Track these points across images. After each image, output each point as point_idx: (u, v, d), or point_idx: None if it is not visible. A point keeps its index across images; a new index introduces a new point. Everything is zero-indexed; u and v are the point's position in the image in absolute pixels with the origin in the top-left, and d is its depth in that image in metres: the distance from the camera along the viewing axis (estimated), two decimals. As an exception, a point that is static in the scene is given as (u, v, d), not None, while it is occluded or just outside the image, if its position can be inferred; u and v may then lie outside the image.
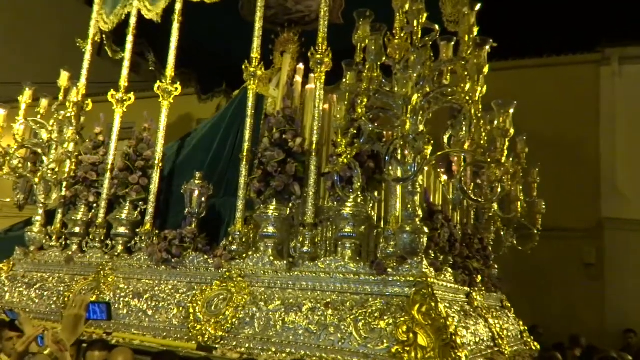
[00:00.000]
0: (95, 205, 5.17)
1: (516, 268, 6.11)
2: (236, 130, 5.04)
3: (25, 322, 3.42)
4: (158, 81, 5.06)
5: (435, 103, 3.58)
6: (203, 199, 4.55)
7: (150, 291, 4.43)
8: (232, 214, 4.54)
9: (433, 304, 3.43)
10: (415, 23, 3.41)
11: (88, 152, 5.24)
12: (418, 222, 3.60)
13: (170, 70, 5.04)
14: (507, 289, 5.14)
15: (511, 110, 3.33)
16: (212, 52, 6.25)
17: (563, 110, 8.78)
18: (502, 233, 4.90)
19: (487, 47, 3.31)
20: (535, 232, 4.77)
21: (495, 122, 3.41)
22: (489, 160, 3.41)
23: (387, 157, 3.54)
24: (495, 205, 4.59)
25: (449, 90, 3.53)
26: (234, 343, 3.84)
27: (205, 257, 4.36)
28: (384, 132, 3.89)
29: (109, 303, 3.68)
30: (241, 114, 4.92)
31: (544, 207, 4.83)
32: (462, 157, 4.48)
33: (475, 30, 3.38)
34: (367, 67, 3.54)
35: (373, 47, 3.48)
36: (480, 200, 3.69)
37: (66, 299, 4.64)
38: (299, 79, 4.91)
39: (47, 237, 5.30)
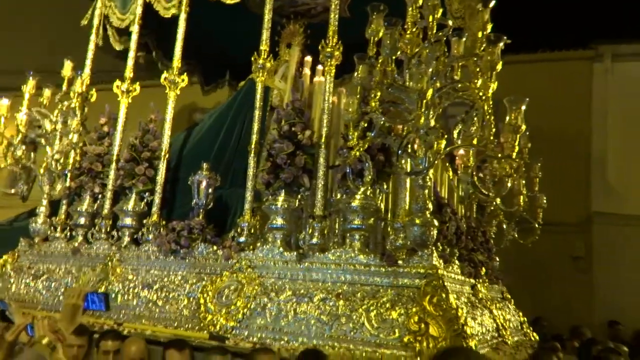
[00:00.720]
0: (100, 196, 5.15)
1: (514, 261, 6.22)
2: (242, 121, 5.05)
3: (15, 312, 3.43)
4: (165, 72, 5.05)
5: (447, 98, 3.64)
6: (210, 190, 4.58)
7: (159, 282, 4.46)
8: (238, 205, 4.57)
9: (444, 295, 3.51)
10: (430, 18, 3.46)
11: (93, 143, 5.22)
12: (428, 215, 3.68)
13: (177, 62, 5.04)
14: (507, 281, 5.26)
15: (523, 107, 3.41)
16: (216, 44, 6.24)
17: (556, 105, 8.90)
18: (505, 226, 5.00)
19: (501, 44, 3.38)
20: (537, 225, 4.88)
21: (507, 119, 3.50)
22: (499, 155, 3.49)
23: (399, 151, 3.61)
24: (498, 200, 4.69)
25: (460, 85, 3.61)
26: (246, 333, 3.89)
27: (214, 248, 4.40)
28: (393, 126, 3.95)
29: (107, 293, 3.72)
30: (247, 105, 4.95)
31: (545, 201, 4.94)
32: (471, 152, 4.56)
33: (489, 27, 3.45)
34: (380, 60, 3.59)
35: (388, 41, 3.53)
36: (490, 194, 3.77)
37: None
38: (307, 71, 4.94)
39: (52, 228, 5.28)
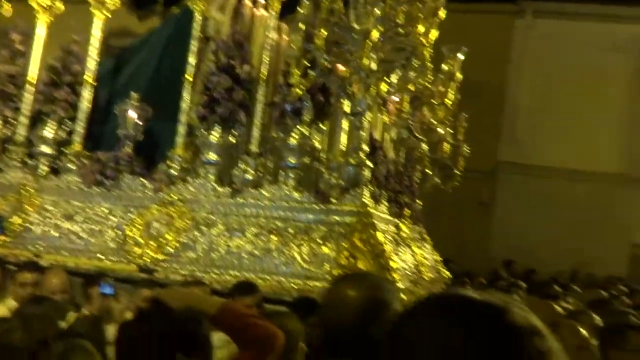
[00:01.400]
0: (12, 121, 4.77)
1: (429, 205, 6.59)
2: (175, 50, 4.80)
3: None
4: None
5: (389, 42, 3.69)
6: (140, 122, 4.39)
7: (82, 213, 4.29)
8: (170, 139, 4.43)
9: (372, 232, 3.70)
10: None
11: (5, 62, 4.77)
12: (363, 156, 3.80)
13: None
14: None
15: (461, 56, 3.53)
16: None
17: (475, 55, 9.21)
18: (429, 172, 5.24)
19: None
20: (457, 172, 5.16)
21: (444, 67, 3.62)
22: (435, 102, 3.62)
23: (339, 92, 3.65)
24: (425, 146, 4.89)
25: (403, 30, 3.66)
26: (176, 266, 3.89)
27: (143, 180, 4.27)
28: (334, 67, 3.95)
29: (2, 216, 3.49)
30: (181, 34, 4.70)
31: (467, 150, 5.22)
32: (406, 97, 4.67)
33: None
34: (327, -2, 3.53)
35: (336, -21, 3.47)
36: (424, 139, 3.93)
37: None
38: (248, 2, 4.74)
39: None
